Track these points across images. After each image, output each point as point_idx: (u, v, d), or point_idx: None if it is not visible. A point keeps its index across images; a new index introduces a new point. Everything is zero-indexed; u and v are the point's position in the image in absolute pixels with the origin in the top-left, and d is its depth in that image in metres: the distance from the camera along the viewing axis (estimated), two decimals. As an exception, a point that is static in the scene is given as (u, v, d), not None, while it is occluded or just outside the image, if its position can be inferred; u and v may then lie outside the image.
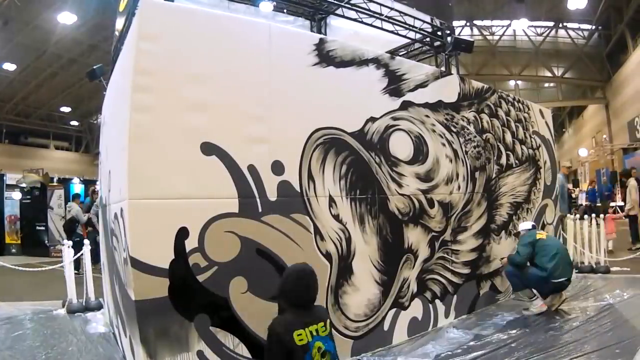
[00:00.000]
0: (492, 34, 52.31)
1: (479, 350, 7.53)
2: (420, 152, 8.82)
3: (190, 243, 5.93)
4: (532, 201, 12.30)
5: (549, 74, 53.43)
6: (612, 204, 33.28)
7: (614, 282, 12.38)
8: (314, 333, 4.82)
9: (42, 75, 42.67)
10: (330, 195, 7.34)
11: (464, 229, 9.79)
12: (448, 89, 9.79)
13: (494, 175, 10.78)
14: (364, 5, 11.46)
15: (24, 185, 27.51)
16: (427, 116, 9.08)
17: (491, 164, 10.73)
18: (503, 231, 10.98)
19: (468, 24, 50.74)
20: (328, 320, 5.02)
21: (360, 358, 7.49)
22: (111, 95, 8.71)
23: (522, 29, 50.53)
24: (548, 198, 13.14)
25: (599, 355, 6.93)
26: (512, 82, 56.23)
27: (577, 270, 13.86)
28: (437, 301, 9.07)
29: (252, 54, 6.72)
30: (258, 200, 6.51)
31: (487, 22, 51.54)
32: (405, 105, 8.68)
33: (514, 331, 8.47)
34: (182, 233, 5.88)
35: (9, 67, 38.73)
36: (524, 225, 10.68)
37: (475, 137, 10.26)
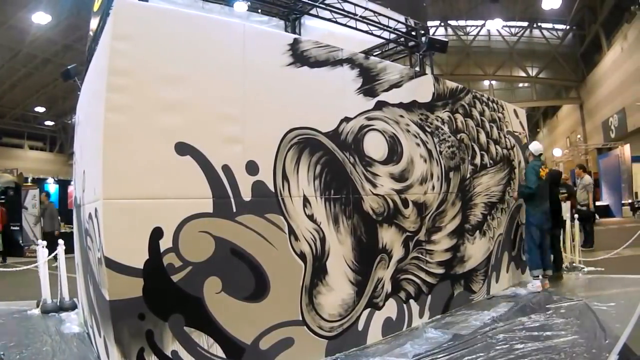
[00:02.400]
0: (467, 34, 52.72)
1: (459, 350, 7.53)
2: (394, 152, 8.84)
3: (165, 243, 5.91)
4: (507, 201, 12.36)
5: (524, 74, 53.89)
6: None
7: (588, 282, 12.47)
8: None
9: (16, 75, 42.55)
10: (304, 195, 7.34)
11: (438, 229, 9.81)
12: (422, 89, 9.81)
13: (468, 175, 10.83)
14: (338, 5, 11.50)
15: (-2, 185, 27.41)
16: (401, 116, 9.10)
17: (465, 164, 10.77)
18: (477, 231, 11.02)
19: (442, 24, 51.11)
20: None
21: (334, 358, 7.51)
22: (86, 95, 8.68)
23: (496, 29, 50.97)
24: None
25: (574, 355, 6.96)
26: (486, 82, 56.64)
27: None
28: (412, 301, 9.08)
29: (227, 54, 6.72)
30: (232, 200, 6.51)
31: (461, 22, 51.93)
32: (380, 105, 8.69)
33: (491, 331, 8.49)
34: (157, 233, 5.87)
35: (-17, 67, 38.57)
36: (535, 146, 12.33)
37: (449, 137, 10.30)
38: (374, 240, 8.39)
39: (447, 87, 10.55)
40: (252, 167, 6.74)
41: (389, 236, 8.62)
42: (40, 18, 32.39)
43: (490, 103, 12.20)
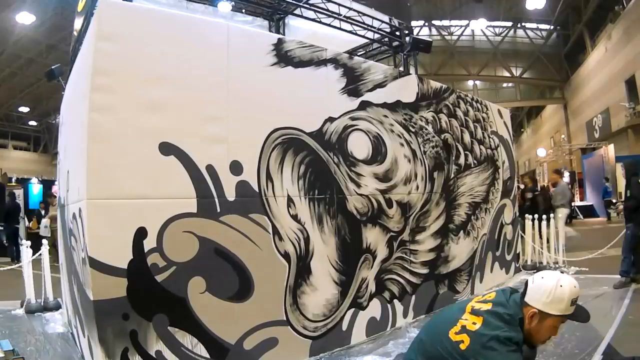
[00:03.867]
0: (451, 34, 52.87)
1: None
2: (378, 152, 8.85)
3: (149, 243, 5.91)
4: (491, 201, 12.40)
5: (508, 74, 54.02)
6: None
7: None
8: None
9: (0, 75, 42.35)
10: (288, 195, 7.35)
11: (423, 229, 9.82)
12: (406, 89, 9.82)
13: (452, 176, 10.85)
14: (322, 5, 11.50)
15: (-18, 185, 27.26)
16: (385, 116, 9.11)
17: (449, 164, 10.79)
18: (461, 231, 11.05)
19: (426, 24, 51.20)
20: None
21: (318, 358, 7.52)
22: (70, 96, 8.67)
23: (480, 29, 51.05)
24: (506, 198, 13.25)
25: (559, 356, 7.00)
26: (470, 82, 56.83)
27: (535, 270, 13.99)
28: (396, 301, 9.10)
29: (211, 54, 6.73)
30: (216, 200, 6.52)
31: (445, 22, 52.02)
32: (364, 105, 8.70)
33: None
34: (141, 233, 5.87)
35: (-32, 67, 38.49)
36: None
37: (433, 137, 10.32)
38: (358, 240, 8.41)
39: (431, 87, 10.56)
40: (236, 167, 6.75)
41: (373, 236, 8.64)
42: (24, 18, 32.35)
43: (474, 103, 12.23)
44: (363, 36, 12.69)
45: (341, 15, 11.64)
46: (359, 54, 13.45)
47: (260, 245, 6.93)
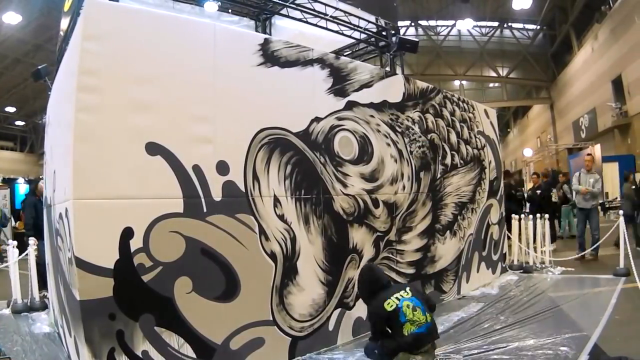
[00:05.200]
0: (437, 34, 52.87)
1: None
2: (365, 152, 8.87)
3: (135, 243, 5.91)
4: (477, 201, 12.43)
5: (494, 74, 54.05)
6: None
7: (559, 282, 12.52)
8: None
9: (-13, 75, 42.31)
10: (275, 195, 7.37)
11: (409, 229, 9.85)
12: (393, 89, 9.85)
13: (438, 175, 10.88)
14: (308, 5, 11.51)
15: (-32, 185, 27.15)
16: (371, 116, 9.13)
17: (436, 164, 10.82)
18: (448, 231, 11.08)
19: (413, 23, 51.19)
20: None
21: (305, 358, 7.53)
22: (56, 96, 8.64)
23: (466, 29, 51.09)
24: (493, 198, 13.29)
25: (546, 356, 7.02)
26: (457, 82, 56.84)
27: (521, 271, 14.04)
28: (382, 300, 9.08)
29: (197, 54, 6.73)
30: (203, 200, 6.52)
31: (432, 22, 52.01)
32: (350, 105, 8.73)
33: (460, 331, 8.54)
34: (127, 233, 5.86)
35: (-46, 67, 38.40)
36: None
37: (420, 137, 10.34)
38: (345, 240, 8.43)
39: (418, 87, 10.59)
40: (222, 167, 6.75)
41: (359, 236, 8.65)
42: (11, 18, 32.28)
43: (460, 103, 12.27)
44: (349, 36, 12.71)
45: (327, 15, 11.65)
46: (345, 54, 13.47)
47: (247, 245, 6.94)
